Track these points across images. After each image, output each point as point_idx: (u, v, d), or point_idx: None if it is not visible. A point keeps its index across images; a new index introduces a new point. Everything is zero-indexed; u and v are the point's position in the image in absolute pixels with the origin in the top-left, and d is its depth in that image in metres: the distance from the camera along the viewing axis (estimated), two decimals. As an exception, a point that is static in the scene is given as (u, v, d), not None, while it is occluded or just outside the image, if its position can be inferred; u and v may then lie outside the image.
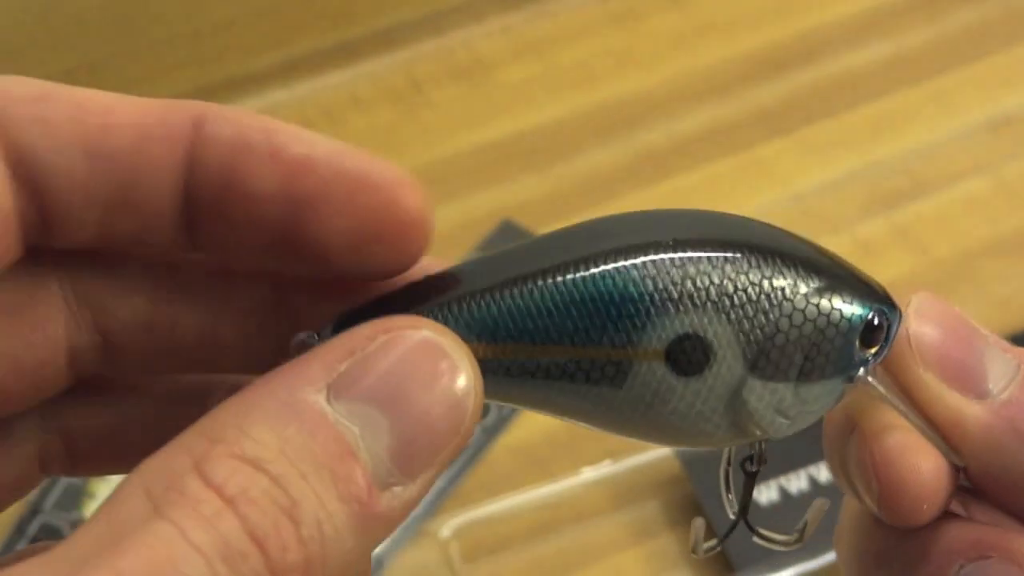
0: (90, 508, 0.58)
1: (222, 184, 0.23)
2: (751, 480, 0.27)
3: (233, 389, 0.25)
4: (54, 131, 0.22)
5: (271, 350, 0.25)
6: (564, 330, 0.23)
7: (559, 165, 0.73)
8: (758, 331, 0.24)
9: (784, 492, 0.57)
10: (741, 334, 0.24)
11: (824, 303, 0.24)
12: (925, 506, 0.25)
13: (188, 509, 0.19)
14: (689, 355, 0.24)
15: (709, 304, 0.24)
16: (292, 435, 0.20)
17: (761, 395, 0.25)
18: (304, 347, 0.22)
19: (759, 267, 0.24)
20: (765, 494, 0.57)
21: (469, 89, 0.78)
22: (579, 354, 0.24)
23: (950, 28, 0.80)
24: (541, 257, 0.24)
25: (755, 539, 0.28)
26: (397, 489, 0.20)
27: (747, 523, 0.27)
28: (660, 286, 0.23)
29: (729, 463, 0.27)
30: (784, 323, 0.24)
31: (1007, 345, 0.26)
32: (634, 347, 0.24)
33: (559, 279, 0.23)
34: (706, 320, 0.24)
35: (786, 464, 0.58)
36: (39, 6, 0.70)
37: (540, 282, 0.23)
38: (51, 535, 0.55)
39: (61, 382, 0.25)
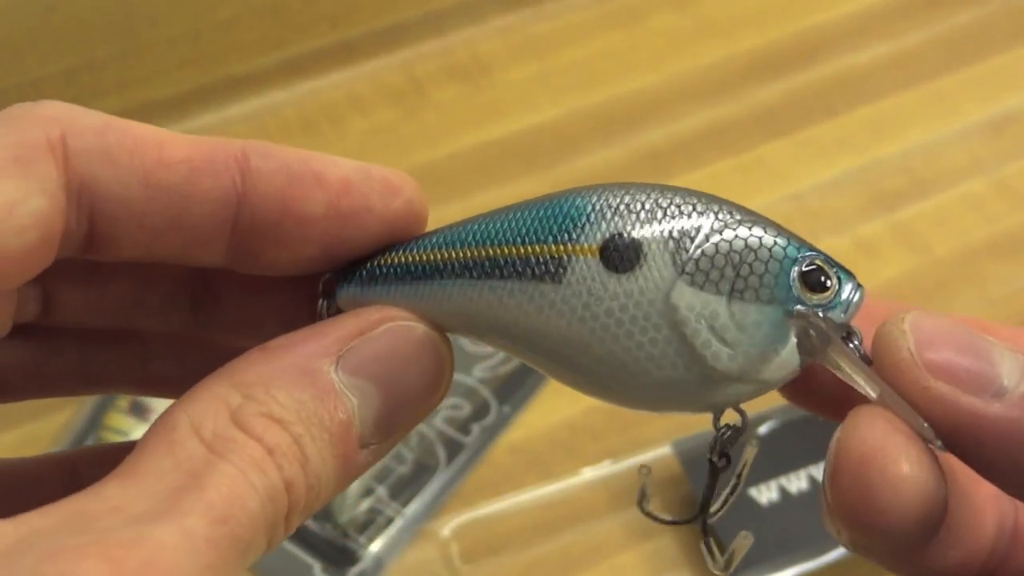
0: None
1: (278, 210, 0.26)
2: (714, 474, 0.28)
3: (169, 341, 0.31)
4: (116, 162, 0.25)
5: (182, 312, 0.30)
6: (516, 232, 0.27)
7: (559, 165, 0.73)
8: (687, 239, 0.26)
9: (784, 492, 0.57)
10: (671, 240, 0.26)
11: (750, 230, 0.27)
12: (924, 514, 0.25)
13: (244, 455, 0.23)
14: (621, 252, 0.26)
15: (642, 212, 0.27)
16: (307, 401, 0.24)
17: (692, 303, 0.26)
18: (329, 284, 0.28)
19: (697, 201, 0.27)
20: (765, 494, 0.57)
21: (469, 89, 0.78)
22: (527, 251, 0.27)
23: (950, 28, 0.80)
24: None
25: (702, 545, 0.28)
26: (372, 447, 0.25)
27: (703, 522, 0.28)
28: (601, 202, 0.27)
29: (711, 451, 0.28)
30: (715, 236, 0.26)
31: (1011, 341, 0.26)
32: (573, 243, 0.27)
33: (519, 208, 0.28)
34: (637, 225, 0.27)
35: (786, 464, 0.58)
36: (39, 6, 0.70)
37: (502, 213, 0.28)
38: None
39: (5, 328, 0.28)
